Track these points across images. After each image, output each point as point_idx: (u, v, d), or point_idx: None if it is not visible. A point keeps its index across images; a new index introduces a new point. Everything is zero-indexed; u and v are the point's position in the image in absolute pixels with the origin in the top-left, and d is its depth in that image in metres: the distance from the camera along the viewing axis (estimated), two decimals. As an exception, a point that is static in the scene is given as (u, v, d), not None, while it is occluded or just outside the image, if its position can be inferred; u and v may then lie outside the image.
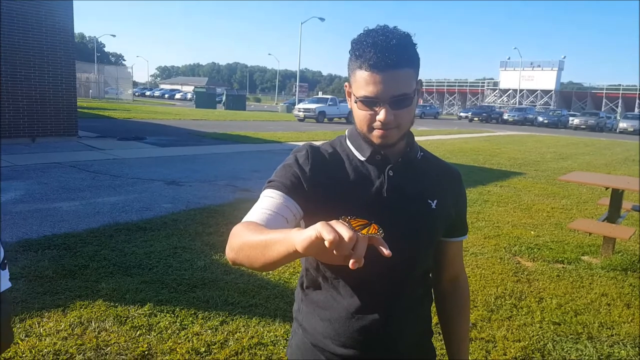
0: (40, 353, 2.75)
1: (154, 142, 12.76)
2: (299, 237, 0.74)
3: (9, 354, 2.72)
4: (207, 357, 2.85)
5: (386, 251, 0.73)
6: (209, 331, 3.12)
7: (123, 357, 2.79)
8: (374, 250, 1.11)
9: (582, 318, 3.65)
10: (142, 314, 3.29)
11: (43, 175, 7.51)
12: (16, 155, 9.19)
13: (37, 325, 3.05)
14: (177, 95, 59.56)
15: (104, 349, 2.85)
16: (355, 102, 1.10)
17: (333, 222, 0.72)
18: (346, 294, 1.18)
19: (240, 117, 26.65)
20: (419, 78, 1.13)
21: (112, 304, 3.39)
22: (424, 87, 1.24)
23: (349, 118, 29.03)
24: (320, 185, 1.13)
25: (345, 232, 0.69)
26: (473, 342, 3.21)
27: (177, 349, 2.89)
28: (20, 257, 4.12)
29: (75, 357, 2.76)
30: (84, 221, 5.28)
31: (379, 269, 1.15)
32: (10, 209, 5.59)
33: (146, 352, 2.85)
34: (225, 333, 3.11)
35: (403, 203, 1.16)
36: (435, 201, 1.20)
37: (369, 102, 1.07)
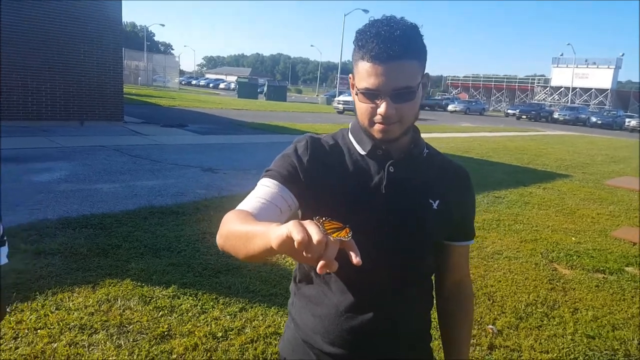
0: (67, 326, 2.87)
1: (195, 130, 13.04)
2: (274, 234, 0.72)
3: (39, 324, 2.85)
4: (223, 342, 2.89)
5: (355, 259, 0.70)
6: (228, 317, 3.17)
7: (143, 335, 2.88)
8: (367, 247, 1.09)
9: (620, 333, 3.45)
10: (166, 295, 3.37)
11: (88, 158, 7.83)
12: (65, 137, 9.61)
13: (67, 300, 3.18)
14: (221, 85, 60.56)
15: (126, 327, 2.95)
16: (357, 94, 1.07)
17: (306, 222, 0.70)
18: (337, 291, 1.16)
19: (280, 108, 26.83)
20: (425, 71, 1.08)
21: (139, 283, 3.50)
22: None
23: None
24: (317, 177, 1.11)
25: (315, 234, 0.67)
26: (497, 349, 3.10)
27: (196, 332, 2.95)
28: (58, 234, 4.30)
29: (99, 332, 2.86)
30: (121, 203, 5.47)
31: (372, 267, 1.11)
32: (55, 188, 5.86)
33: (166, 333, 2.93)
34: (244, 320, 3.15)
35: (402, 201, 1.12)
36: (437, 201, 1.15)
37: (370, 95, 1.03)
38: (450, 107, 43.42)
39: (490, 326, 3.35)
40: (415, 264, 1.17)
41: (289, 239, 0.68)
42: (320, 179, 1.11)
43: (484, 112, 45.72)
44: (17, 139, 8.91)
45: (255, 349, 2.83)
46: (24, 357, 2.53)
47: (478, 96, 67.46)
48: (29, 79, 10.48)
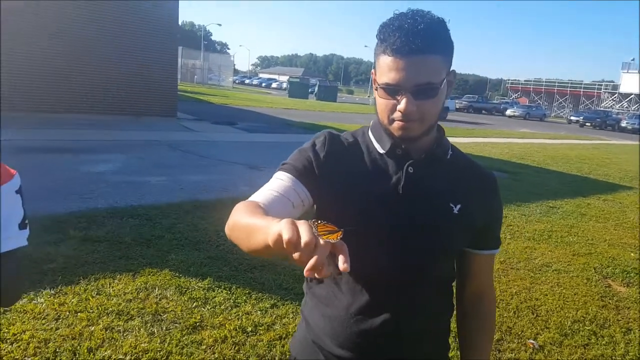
0: (106, 311, 2.98)
1: (244, 128, 13.29)
2: (272, 230, 0.70)
3: (80, 307, 2.98)
4: (251, 337, 2.91)
5: (342, 265, 0.66)
6: (259, 312, 3.19)
7: (176, 325, 2.94)
8: (380, 248, 1.06)
9: (675, 358, 3.19)
10: (202, 287, 3.44)
11: (141, 151, 8.15)
12: (122, 131, 10.06)
13: (108, 286, 3.30)
14: (273, 85, 61.43)
15: (161, 315, 3.02)
16: (376, 90, 1.03)
17: (300, 222, 0.67)
18: (347, 292, 1.12)
19: (329, 108, 26.89)
20: (452, 68, 1.03)
21: (176, 274, 3.58)
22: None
23: (442, 114, 27.95)
24: (332, 174, 1.08)
25: (305, 235, 0.64)
26: None
27: (226, 325, 2.99)
28: (107, 223, 4.49)
29: (134, 318, 2.95)
30: (167, 195, 5.64)
31: (385, 269, 1.08)
32: (108, 178, 6.13)
33: (197, 324, 2.98)
34: (274, 316, 3.16)
35: (420, 203, 1.07)
36: (458, 206, 1.09)
37: (390, 90, 0.99)
38: (508, 112, 41.96)
39: (531, 341, 3.21)
40: (431, 269, 1.12)
41: (280, 237, 0.66)
42: (335, 176, 1.08)
43: (544, 118, 43.77)
44: (77, 131, 9.41)
45: (283, 346, 2.83)
46: (62, 337, 2.65)
47: (539, 101, 64.77)
48: (90, 75, 11.03)
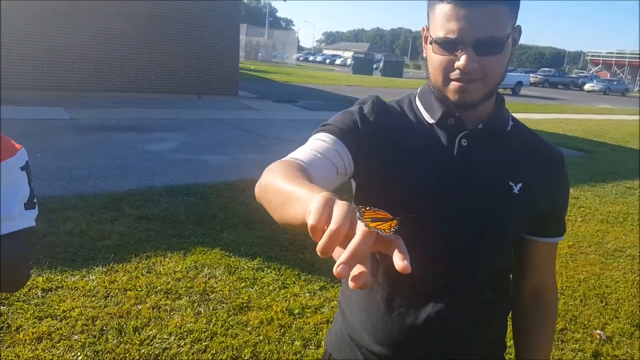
0: (154, 289, 2.97)
1: (304, 106, 13.18)
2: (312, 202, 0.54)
3: (129, 285, 2.99)
4: (298, 320, 2.79)
5: (400, 263, 0.49)
6: (307, 294, 3.07)
7: (223, 305, 2.88)
8: (427, 234, 0.89)
9: None
10: (251, 267, 3.37)
11: (200, 129, 8.25)
12: (183, 109, 10.27)
13: (158, 264, 3.31)
14: (337, 61, 60.69)
15: (208, 295, 2.98)
16: (431, 44, 0.88)
17: (339, 204, 0.51)
18: (385, 283, 0.97)
19: (394, 85, 26.16)
20: (517, 24, 0.89)
21: (227, 253, 3.54)
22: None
23: (515, 89, 26.54)
24: (380, 143, 0.94)
25: (337, 220, 0.48)
26: (602, 358, 2.69)
27: (274, 306, 2.89)
28: (162, 201, 4.54)
29: (182, 297, 2.92)
30: (223, 174, 5.64)
31: (432, 258, 0.91)
32: (165, 157, 6.24)
33: (244, 304, 2.90)
34: (322, 299, 3.02)
35: (474, 181, 0.93)
36: (519, 185, 0.95)
37: (447, 44, 0.85)
38: (587, 86, 38.93)
39: (599, 331, 2.97)
40: (489, 260, 0.98)
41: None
42: (381, 146, 0.94)
43: (626, 93, 40.23)
44: (139, 110, 9.70)
45: (331, 332, 2.69)
46: (110, 315, 2.66)
47: (622, 75, 59.57)
48: (152, 54, 11.29)
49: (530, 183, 0.95)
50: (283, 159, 0.84)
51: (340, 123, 0.93)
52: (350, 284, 0.49)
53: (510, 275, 1.08)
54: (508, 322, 1.11)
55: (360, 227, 0.51)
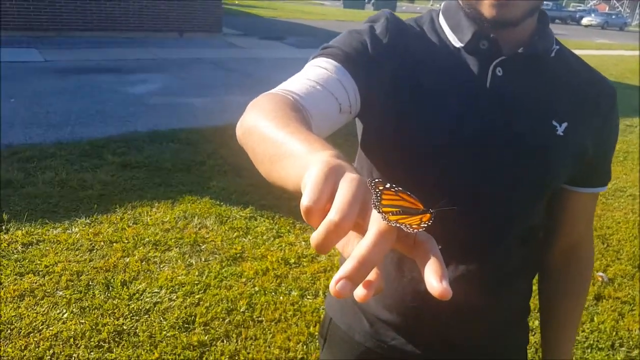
0: (142, 241, 2.84)
1: (292, 43, 12.64)
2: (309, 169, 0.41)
3: (115, 237, 2.84)
4: (294, 269, 2.70)
5: (438, 283, 0.34)
6: (303, 243, 2.96)
7: (216, 255, 2.77)
8: (452, 180, 0.76)
9: None
10: (243, 216, 3.23)
11: (183, 70, 7.86)
12: (164, 48, 9.76)
13: (145, 214, 3.15)
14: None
15: (199, 246, 2.85)
16: None
17: (348, 178, 0.37)
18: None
19: (385, 20, 25.15)
20: None
21: (217, 202, 3.39)
22: None
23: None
24: (393, 75, 0.74)
25: (341, 208, 0.34)
26: (605, 300, 2.66)
27: (268, 256, 2.78)
28: (146, 147, 4.32)
29: (172, 249, 2.79)
30: (210, 118, 5.38)
31: (451, 215, 0.75)
32: (147, 100, 5.93)
33: (238, 255, 2.79)
34: (319, 248, 2.92)
35: (511, 119, 0.76)
36: (564, 125, 0.78)
37: None
38: (584, 21, 37.83)
39: (600, 273, 2.93)
40: (520, 215, 0.82)
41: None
42: (395, 77, 0.75)
43: (625, 27, 39.18)
44: (118, 50, 9.19)
45: (327, 279, 2.60)
46: (96, 269, 2.53)
47: (621, 8, 58.06)
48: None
49: (577, 123, 0.78)
50: (273, 91, 0.67)
51: (345, 46, 0.74)
52: (357, 296, 0.34)
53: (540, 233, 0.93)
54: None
55: (376, 219, 0.35)
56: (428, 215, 0.39)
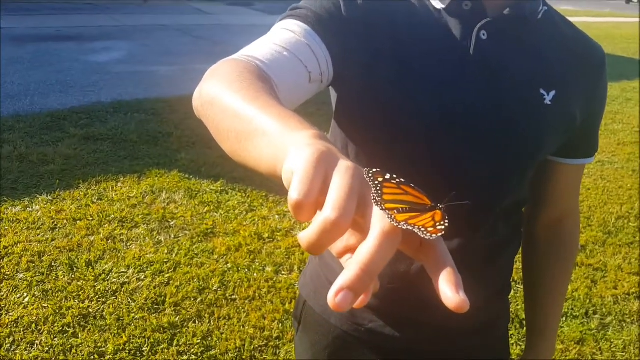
0: (107, 218, 2.72)
1: (262, 9, 12.28)
2: (289, 155, 0.35)
3: (79, 215, 2.72)
4: (268, 244, 2.64)
5: (453, 294, 0.31)
6: (277, 217, 2.89)
7: (186, 232, 2.68)
8: (432, 155, 0.72)
9: None
10: (214, 190, 3.14)
11: (147, 38, 7.54)
12: (127, 15, 9.34)
13: (110, 190, 3.02)
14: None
15: (168, 222, 2.75)
16: None
17: (342, 167, 0.32)
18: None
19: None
20: None
21: (186, 175, 3.28)
22: None
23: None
24: (368, 39, 0.68)
25: (338, 204, 0.30)
26: (578, 268, 2.69)
27: (241, 231, 2.71)
28: (110, 119, 4.14)
29: (139, 226, 2.69)
30: (177, 87, 5.16)
31: (434, 185, 0.70)
32: (111, 69, 5.68)
33: (209, 231, 2.71)
34: (293, 221, 2.86)
35: (496, 86, 0.71)
36: (552, 93, 0.73)
37: None
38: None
39: None
40: (507, 189, 0.78)
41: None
42: (371, 42, 0.69)
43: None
44: (80, 16, 8.76)
45: (302, 254, 2.56)
46: (59, 249, 2.41)
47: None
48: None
49: (566, 91, 0.74)
50: (235, 56, 0.60)
51: (316, 7, 0.67)
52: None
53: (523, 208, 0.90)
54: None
55: (380, 219, 0.31)
56: (439, 213, 0.34)
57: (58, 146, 3.50)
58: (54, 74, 5.25)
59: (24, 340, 1.86)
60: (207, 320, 2.05)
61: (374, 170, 0.34)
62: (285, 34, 0.64)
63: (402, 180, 0.35)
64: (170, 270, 2.35)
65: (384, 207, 0.31)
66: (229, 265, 2.43)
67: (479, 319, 0.86)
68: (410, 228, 0.31)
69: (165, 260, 2.41)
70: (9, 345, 1.84)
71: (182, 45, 7.28)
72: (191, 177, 3.27)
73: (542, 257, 0.95)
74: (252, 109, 0.44)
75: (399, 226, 0.30)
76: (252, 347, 1.95)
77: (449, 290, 0.31)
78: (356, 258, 0.30)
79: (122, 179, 3.15)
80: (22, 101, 4.38)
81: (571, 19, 0.82)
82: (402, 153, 0.71)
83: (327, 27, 0.66)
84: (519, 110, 0.72)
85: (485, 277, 0.83)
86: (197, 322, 2.04)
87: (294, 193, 0.30)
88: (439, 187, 0.69)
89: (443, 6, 0.70)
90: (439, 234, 0.31)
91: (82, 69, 5.55)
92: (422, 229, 0.31)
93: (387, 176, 0.35)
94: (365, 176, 0.33)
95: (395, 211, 0.31)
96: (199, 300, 2.16)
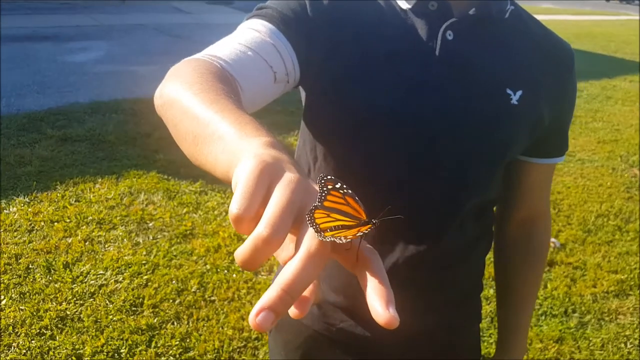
0: (85, 220, 2.71)
1: (242, 7, 12.23)
2: (243, 159, 0.36)
3: (56, 217, 2.70)
4: (247, 246, 2.66)
5: (383, 310, 0.31)
6: (256, 218, 2.91)
7: (165, 234, 2.68)
8: (401, 153, 0.72)
9: None
10: (193, 191, 3.14)
11: (126, 37, 7.46)
12: (105, 15, 9.21)
13: (88, 191, 3.01)
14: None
15: (147, 223, 2.76)
16: None
17: (286, 181, 0.34)
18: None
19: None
20: None
21: (165, 176, 3.27)
22: None
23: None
24: (334, 39, 0.69)
25: (272, 221, 0.31)
26: (557, 266, 2.73)
27: (220, 233, 2.73)
28: (87, 119, 4.10)
29: (117, 228, 2.69)
30: (155, 87, 5.05)
31: (400, 192, 0.74)
32: (89, 69, 5.61)
33: (188, 232, 2.72)
34: (271, 222, 2.88)
35: (462, 87, 0.71)
36: (518, 93, 0.73)
37: None
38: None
39: (553, 239, 2.96)
40: (474, 190, 0.78)
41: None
42: (337, 42, 0.70)
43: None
44: (56, 16, 8.61)
45: (282, 255, 2.58)
46: (36, 251, 2.40)
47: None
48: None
49: (532, 90, 0.74)
50: (198, 55, 0.61)
51: (282, 7, 0.68)
52: (291, 313, 0.31)
53: (496, 208, 0.92)
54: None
55: (309, 236, 0.32)
56: (369, 226, 0.36)
57: (35, 147, 3.46)
58: (30, 75, 5.17)
59: (1, 343, 1.86)
60: (186, 322, 2.07)
61: (328, 177, 0.36)
62: (250, 33, 0.65)
63: (349, 191, 0.37)
64: (148, 272, 2.36)
65: (313, 223, 0.32)
66: (208, 267, 2.45)
67: (448, 319, 0.87)
68: (333, 239, 0.32)
69: (144, 262, 2.42)
70: (-15, 348, 1.84)
71: (161, 45, 7.22)
72: (170, 178, 3.27)
73: (512, 257, 0.95)
74: (209, 113, 0.45)
75: (324, 240, 0.31)
76: (231, 348, 1.98)
77: (379, 306, 0.31)
78: (279, 279, 0.30)
79: (100, 180, 3.14)
80: (-1, 102, 4.32)
81: (551, 18, 0.85)
82: (365, 154, 0.72)
83: (292, 27, 0.66)
84: (485, 111, 0.72)
85: (454, 279, 0.84)
86: (175, 323, 2.06)
87: (234, 207, 0.31)
88: (401, 187, 0.73)
89: (409, 6, 0.71)
90: (356, 238, 0.32)
91: (59, 69, 5.48)
92: (342, 238, 0.32)
93: (337, 185, 0.37)
94: (318, 180, 0.36)
95: (328, 229, 0.33)
96: (177, 301, 2.18)
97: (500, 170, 0.81)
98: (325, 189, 0.35)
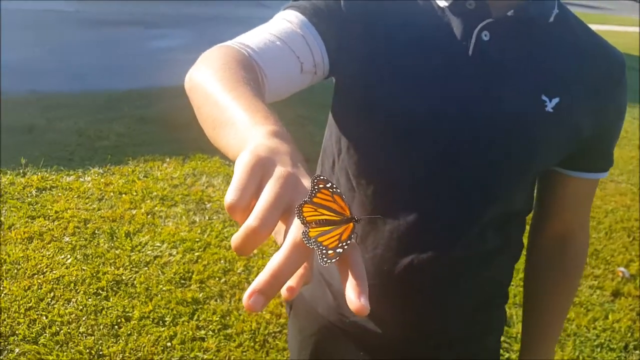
0: (150, 195, 2.90)
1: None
2: (247, 144, 0.41)
3: (125, 189, 2.91)
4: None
5: (356, 299, 0.34)
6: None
7: (219, 215, 2.81)
8: (425, 153, 0.72)
9: None
10: (251, 178, 3.25)
11: (207, 27, 7.76)
12: (187, 4, 9.65)
13: (156, 169, 3.21)
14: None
15: (205, 204, 2.90)
16: None
17: (278, 174, 0.36)
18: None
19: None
20: None
21: (227, 162, 3.41)
22: None
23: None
24: (367, 34, 0.70)
25: (261, 214, 0.34)
26: (624, 298, 2.54)
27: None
28: (163, 102, 4.33)
29: (178, 205, 2.85)
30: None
31: (421, 193, 0.73)
32: (169, 55, 5.88)
33: (241, 217, 2.82)
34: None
35: (494, 90, 0.69)
36: (555, 100, 0.69)
37: None
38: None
39: (621, 268, 2.78)
40: (499, 197, 0.75)
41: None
42: (370, 37, 0.70)
43: None
44: (144, 2, 9.13)
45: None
46: (103, 219, 2.60)
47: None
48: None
49: (572, 99, 0.70)
50: (229, 42, 0.64)
51: (317, 0, 0.69)
52: (283, 294, 0.34)
53: (526, 217, 0.88)
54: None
55: (295, 228, 0.35)
56: (350, 229, 0.38)
57: (113, 124, 3.74)
58: (115, 57, 5.55)
59: (62, 297, 2.04)
60: (228, 300, 2.17)
61: (320, 177, 0.39)
62: (282, 23, 0.67)
63: (338, 191, 0.40)
64: (200, 249, 2.49)
65: (302, 213, 0.36)
66: (255, 252, 2.54)
67: (463, 328, 0.86)
68: (315, 247, 0.35)
69: (197, 240, 2.55)
70: (49, 299, 2.02)
71: (236, 34, 7.49)
72: (231, 164, 3.36)
73: (543, 271, 0.92)
74: (227, 99, 0.48)
75: (307, 243, 0.34)
76: (267, 331, 2.04)
77: (352, 295, 0.34)
78: (268, 265, 0.33)
79: (167, 159, 3.34)
80: (86, 80, 4.68)
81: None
82: (390, 153, 0.73)
83: (324, 19, 0.68)
84: (514, 116, 0.69)
85: (473, 285, 0.83)
86: (218, 300, 2.16)
87: (228, 197, 0.35)
88: (419, 188, 0.74)
89: (447, 4, 0.69)
90: (333, 260, 0.35)
91: (142, 53, 5.85)
92: (324, 250, 0.35)
93: (328, 184, 0.39)
94: (311, 180, 0.38)
95: (314, 223, 0.36)
96: (222, 280, 2.28)
97: (529, 180, 0.78)
98: (316, 187, 0.38)
